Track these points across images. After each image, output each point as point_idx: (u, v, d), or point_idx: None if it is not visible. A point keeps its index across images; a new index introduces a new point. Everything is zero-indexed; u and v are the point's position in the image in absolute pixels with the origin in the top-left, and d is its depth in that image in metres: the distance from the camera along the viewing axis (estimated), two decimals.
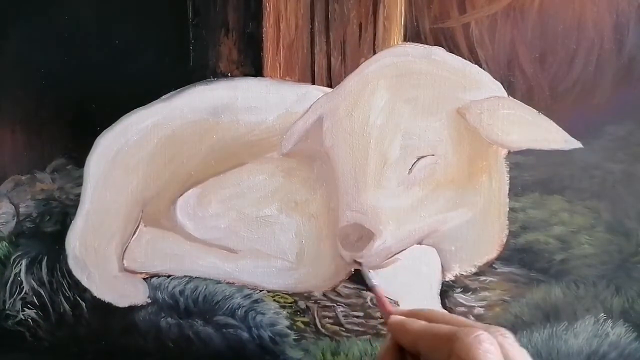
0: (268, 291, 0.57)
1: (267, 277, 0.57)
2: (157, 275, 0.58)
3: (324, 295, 0.57)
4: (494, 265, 0.56)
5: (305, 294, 0.57)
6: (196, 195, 0.57)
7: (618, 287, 0.55)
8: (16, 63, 0.57)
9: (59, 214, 0.58)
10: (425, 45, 0.54)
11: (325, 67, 0.56)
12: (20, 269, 0.59)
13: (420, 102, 0.53)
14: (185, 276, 0.58)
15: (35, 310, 0.59)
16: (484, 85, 0.54)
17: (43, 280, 0.58)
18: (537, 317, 0.56)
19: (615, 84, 0.54)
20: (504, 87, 0.54)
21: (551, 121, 0.53)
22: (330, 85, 0.56)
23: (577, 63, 0.54)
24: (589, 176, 0.55)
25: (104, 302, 0.58)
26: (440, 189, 0.53)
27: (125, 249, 0.58)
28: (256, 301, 0.57)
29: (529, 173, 0.55)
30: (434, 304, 0.55)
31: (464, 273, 0.56)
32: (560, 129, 0.53)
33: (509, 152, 0.54)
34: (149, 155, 0.57)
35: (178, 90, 0.56)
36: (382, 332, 0.57)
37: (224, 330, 0.57)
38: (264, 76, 0.56)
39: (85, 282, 0.58)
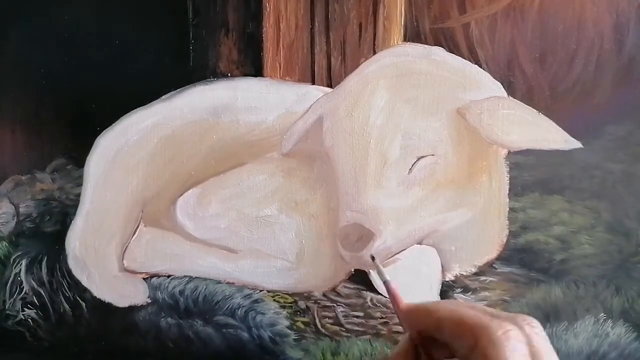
0: (268, 291, 0.57)
1: (267, 277, 0.57)
2: (157, 275, 0.58)
3: (324, 295, 0.57)
4: (494, 265, 0.56)
5: (305, 294, 0.57)
6: (196, 195, 0.57)
7: (618, 287, 0.55)
8: (16, 63, 0.57)
9: (59, 214, 0.58)
10: (425, 45, 0.54)
11: (325, 67, 0.56)
12: (20, 269, 0.59)
13: (420, 102, 0.53)
14: (185, 276, 0.58)
15: (35, 310, 0.59)
16: (484, 85, 0.54)
17: (43, 280, 0.58)
18: (537, 317, 0.54)
19: (615, 84, 0.54)
20: (504, 87, 0.54)
21: (551, 121, 0.53)
22: (330, 85, 0.56)
23: (577, 63, 0.54)
24: (589, 176, 0.55)
25: (104, 302, 0.58)
26: (440, 189, 0.53)
27: (125, 249, 0.58)
28: (256, 301, 0.57)
29: (529, 173, 0.55)
30: None
31: (464, 273, 0.56)
32: (560, 129, 0.53)
33: (509, 152, 0.54)
34: (149, 155, 0.57)
35: (178, 90, 0.56)
36: (382, 332, 0.57)
37: (224, 330, 0.57)
38: (264, 76, 0.56)
39: (85, 282, 0.58)
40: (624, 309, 0.55)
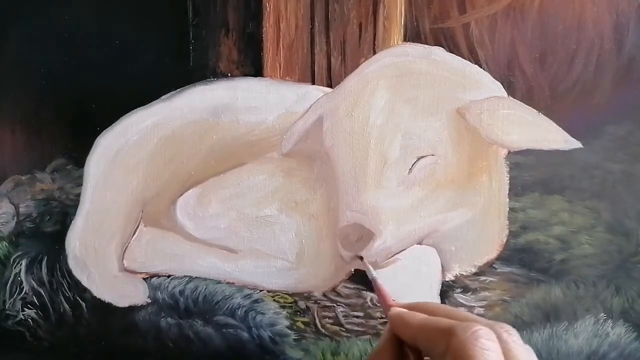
0: (268, 291, 0.57)
1: (267, 277, 0.57)
2: (157, 275, 0.58)
3: (324, 295, 0.57)
4: (494, 265, 0.56)
5: (305, 294, 0.57)
6: (196, 195, 0.57)
7: (618, 287, 0.55)
8: (16, 63, 0.57)
9: (59, 214, 0.58)
10: (425, 45, 0.54)
11: (325, 67, 0.56)
12: (20, 269, 0.59)
13: (420, 102, 0.53)
14: (185, 276, 0.58)
15: (35, 310, 0.59)
16: (484, 85, 0.54)
17: (43, 280, 0.58)
18: (537, 317, 0.56)
19: (615, 84, 0.54)
20: (504, 87, 0.54)
21: (551, 121, 0.53)
22: (330, 85, 0.56)
23: (577, 63, 0.54)
24: (589, 176, 0.55)
25: (104, 302, 0.58)
26: (440, 189, 0.53)
27: (125, 249, 0.58)
28: (256, 301, 0.57)
29: (529, 173, 0.55)
30: None
31: (464, 273, 0.56)
32: (560, 129, 0.53)
33: (509, 152, 0.54)
34: (149, 155, 0.57)
35: (178, 90, 0.56)
36: (382, 332, 0.56)
37: (224, 330, 0.57)
38: (264, 76, 0.56)
39: (85, 282, 0.58)
40: (624, 309, 0.55)
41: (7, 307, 0.59)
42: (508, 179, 0.55)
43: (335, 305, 0.57)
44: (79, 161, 0.57)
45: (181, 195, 0.57)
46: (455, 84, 0.53)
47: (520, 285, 0.56)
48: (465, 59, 0.54)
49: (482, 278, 0.56)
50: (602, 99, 0.55)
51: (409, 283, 0.55)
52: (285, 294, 0.57)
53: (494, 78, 0.54)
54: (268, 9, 0.55)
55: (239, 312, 0.57)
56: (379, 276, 0.46)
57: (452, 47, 0.54)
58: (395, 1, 0.54)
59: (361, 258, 0.50)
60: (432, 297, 0.55)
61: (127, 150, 0.56)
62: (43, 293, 0.58)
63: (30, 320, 0.59)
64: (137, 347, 0.58)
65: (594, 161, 0.55)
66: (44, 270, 0.58)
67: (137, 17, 0.56)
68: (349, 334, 0.57)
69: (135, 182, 0.57)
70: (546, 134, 0.53)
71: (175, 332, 0.57)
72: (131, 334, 0.58)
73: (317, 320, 0.57)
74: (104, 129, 0.56)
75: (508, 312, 0.56)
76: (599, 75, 0.54)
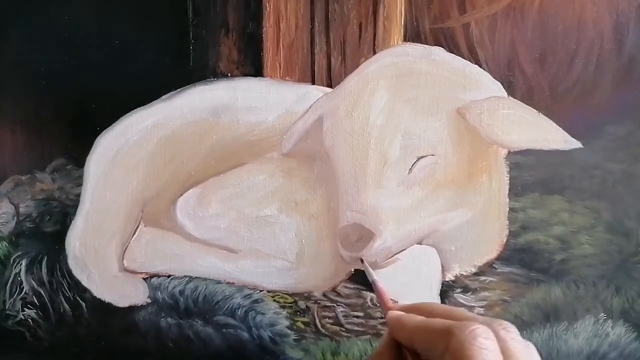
0: (268, 291, 0.57)
1: (267, 277, 0.57)
2: (157, 275, 0.58)
3: (324, 295, 0.57)
4: (494, 265, 0.56)
5: (305, 294, 0.57)
6: (196, 195, 0.57)
7: (618, 287, 0.55)
8: (16, 63, 0.57)
9: (59, 214, 0.58)
10: (425, 45, 0.54)
11: (325, 67, 0.56)
12: (20, 269, 0.59)
13: (420, 102, 0.53)
14: (185, 276, 0.58)
15: (35, 310, 0.59)
16: (484, 85, 0.54)
17: (43, 280, 0.58)
18: (537, 317, 0.56)
19: (615, 84, 0.54)
20: (504, 87, 0.54)
21: (551, 121, 0.53)
22: (330, 85, 0.56)
23: (577, 63, 0.54)
24: (589, 176, 0.55)
25: (104, 302, 0.58)
26: (440, 189, 0.53)
27: (125, 249, 0.58)
28: (256, 301, 0.57)
29: (529, 173, 0.55)
30: None
31: (464, 273, 0.56)
32: (560, 129, 0.53)
33: (509, 152, 0.54)
34: (149, 155, 0.57)
35: (178, 90, 0.56)
36: (382, 332, 0.57)
37: (224, 330, 0.57)
38: (264, 76, 0.56)
39: (85, 282, 0.58)
40: (624, 309, 0.55)
41: (7, 307, 0.59)
42: (508, 179, 0.55)
43: (335, 305, 0.57)
44: (79, 161, 0.57)
45: (181, 195, 0.57)
46: (455, 84, 0.53)
47: (520, 285, 0.56)
48: (465, 59, 0.54)
49: (482, 278, 0.56)
50: (602, 99, 0.55)
51: (409, 283, 0.55)
52: (285, 294, 0.57)
53: (494, 78, 0.54)
54: (268, 9, 0.55)
55: (239, 312, 0.57)
56: (379, 278, 0.46)
57: (452, 47, 0.54)
58: (395, 1, 0.54)
59: (362, 260, 0.50)
60: (432, 297, 0.55)
61: (127, 150, 0.56)
62: (43, 293, 0.58)
63: (30, 320, 0.59)
64: (137, 347, 0.58)
65: (594, 161, 0.55)
66: (44, 270, 0.58)
67: (137, 17, 0.56)
68: (349, 334, 0.57)
69: (135, 182, 0.57)
70: (546, 134, 0.53)
71: (175, 332, 0.57)
72: (131, 334, 0.58)
73: (317, 320, 0.57)
74: (104, 129, 0.56)
75: (508, 312, 0.56)
76: (599, 75, 0.54)
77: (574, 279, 0.56)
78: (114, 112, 0.56)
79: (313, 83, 0.56)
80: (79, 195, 0.57)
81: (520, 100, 0.54)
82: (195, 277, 0.57)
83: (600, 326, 0.55)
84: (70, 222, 0.57)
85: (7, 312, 0.59)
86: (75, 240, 0.58)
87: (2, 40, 0.57)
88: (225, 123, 0.56)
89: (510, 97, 0.54)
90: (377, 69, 0.54)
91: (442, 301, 0.56)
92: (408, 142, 0.53)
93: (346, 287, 0.57)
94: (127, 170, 0.57)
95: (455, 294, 0.56)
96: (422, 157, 0.53)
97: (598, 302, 0.55)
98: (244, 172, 0.57)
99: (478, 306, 0.56)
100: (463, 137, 0.53)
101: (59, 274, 0.58)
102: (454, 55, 0.54)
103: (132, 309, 0.57)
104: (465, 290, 0.56)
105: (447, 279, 0.56)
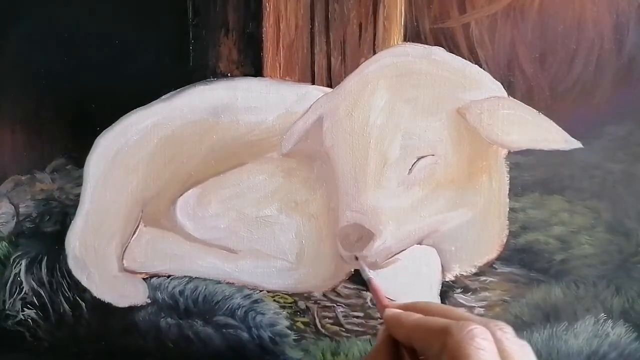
0: (268, 291, 0.57)
1: (267, 277, 0.57)
2: (157, 275, 0.58)
3: (324, 295, 0.57)
4: (494, 266, 0.56)
5: (305, 294, 0.57)
6: (196, 195, 0.57)
7: (618, 287, 0.55)
8: (16, 63, 0.57)
9: (59, 214, 0.58)
10: (425, 45, 0.54)
11: (325, 67, 0.56)
12: (20, 269, 0.59)
13: (420, 102, 0.53)
14: (185, 276, 0.58)
15: (35, 310, 0.59)
16: (484, 85, 0.54)
17: (43, 280, 0.58)
18: (537, 317, 0.56)
19: (615, 84, 0.54)
20: (504, 87, 0.54)
21: (551, 121, 0.53)
22: (330, 85, 0.56)
23: (577, 63, 0.54)
24: (589, 176, 0.55)
25: (104, 302, 0.58)
26: (440, 189, 0.53)
27: (125, 249, 0.58)
28: (256, 301, 0.57)
29: (529, 173, 0.55)
30: None
31: (464, 273, 0.56)
32: (560, 129, 0.53)
33: (509, 152, 0.54)
34: (149, 155, 0.57)
35: (178, 90, 0.56)
36: None
37: (224, 330, 0.57)
38: (264, 76, 0.56)
39: (85, 282, 0.58)
40: (624, 309, 0.55)
41: (7, 307, 0.59)
42: (508, 179, 0.55)
43: (335, 305, 0.57)
44: (79, 161, 0.57)
45: (181, 195, 0.57)
46: (455, 84, 0.53)
47: (520, 285, 0.56)
48: (465, 59, 0.54)
49: (482, 278, 0.56)
50: (602, 99, 0.55)
51: (409, 283, 0.55)
52: (285, 294, 0.57)
53: (494, 78, 0.54)
54: (268, 9, 0.55)
55: (239, 312, 0.57)
56: (376, 276, 0.46)
57: (452, 47, 0.54)
58: (395, 1, 0.54)
59: (356, 258, 0.50)
60: (432, 297, 0.55)
61: (127, 150, 0.56)
62: (43, 293, 0.58)
63: (30, 321, 0.59)
64: (137, 347, 0.58)
65: (594, 161, 0.55)
66: (44, 270, 0.58)
67: (137, 17, 0.56)
68: (348, 334, 0.57)
69: (135, 182, 0.57)
70: (546, 134, 0.53)
71: (175, 332, 0.57)
72: (131, 334, 0.58)
73: (317, 321, 0.57)
74: (104, 129, 0.56)
75: (508, 313, 0.56)
76: (599, 75, 0.54)
77: (574, 279, 0.55)
78: (114, 112, 0.56)
79: (313, 83, 0.56)
80: (78, 195, 0.57)
81: (520, 100, 0.54)
82: (195, 277, 0.57)
83: (601, 326, 0.55)
84: (70, 222, 0.58)
85: (7, 312, 0.59)
86: (75, 240, 0.58)
87: (2, 40, 0.57)
88: (225, 123, 0.56)
89: (510, 97, 0.54)
90: (377, 69, 0.54)
91: (442, 301, 0.56)
92: (408, 142, 0.53)
93: (346, 287, 0.57)
94: (127, 170, 0.57)
95: (455, 294, 0.56)
96: (422, 157, 0.53)
97: (598, 302, 0.55)
98: (244, 172, 0.57)
99: (478, 306, 0.56)
100: (463, 137, 0.53)
101: (59, 274, 0.58)
102: (454, 55, 0.54)
103: (132, 309, 0.57)
104: (466, 290, 0.56)
105: (447, 279, 0.56)
